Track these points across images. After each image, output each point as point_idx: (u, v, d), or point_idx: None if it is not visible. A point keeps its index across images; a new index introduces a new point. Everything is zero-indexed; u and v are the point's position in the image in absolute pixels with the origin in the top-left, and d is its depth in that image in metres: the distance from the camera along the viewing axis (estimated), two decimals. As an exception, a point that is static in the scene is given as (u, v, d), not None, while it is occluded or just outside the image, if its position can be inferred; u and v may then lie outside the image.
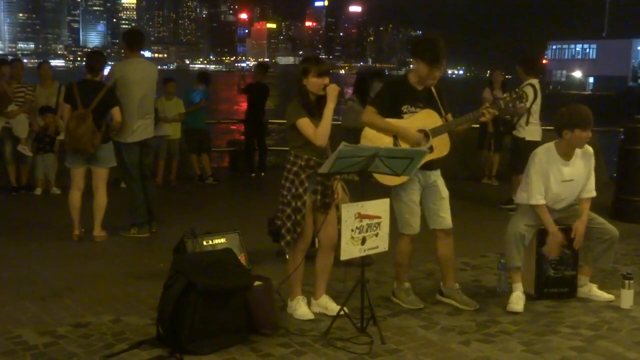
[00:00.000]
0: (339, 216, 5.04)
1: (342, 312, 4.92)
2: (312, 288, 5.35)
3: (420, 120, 5.25)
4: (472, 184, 11.52)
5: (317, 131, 4.90)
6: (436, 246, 5.48)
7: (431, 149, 5.22)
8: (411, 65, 5.49)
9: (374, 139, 5.25)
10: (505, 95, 5.46)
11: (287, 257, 6.53)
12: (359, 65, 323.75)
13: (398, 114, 5.25)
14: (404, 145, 5.20)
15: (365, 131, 5.34)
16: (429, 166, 5.26)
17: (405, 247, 5.44)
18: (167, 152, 11.45)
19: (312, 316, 5.09)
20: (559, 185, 5.57)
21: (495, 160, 11.75)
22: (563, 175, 5.55)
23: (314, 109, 4.97)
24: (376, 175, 5.09)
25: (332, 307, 5.14)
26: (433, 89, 5.36)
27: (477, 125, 11.34)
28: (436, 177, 5.37)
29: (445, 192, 5.40)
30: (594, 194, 5.69)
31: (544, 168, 5.56)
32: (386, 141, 5.20)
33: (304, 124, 4.92)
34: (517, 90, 5.52)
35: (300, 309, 5.12)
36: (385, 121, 5.25)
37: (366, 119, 5.33)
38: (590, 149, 5.65)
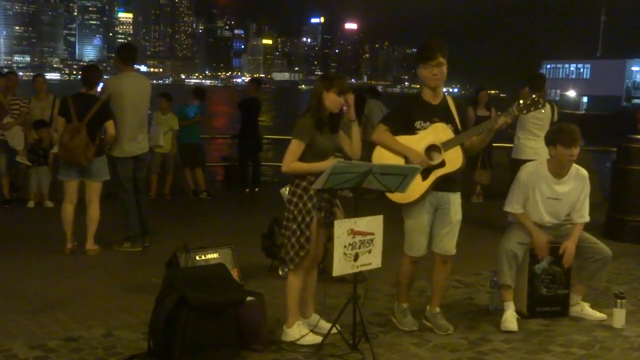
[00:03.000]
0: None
1: (334, 329, 4.90)
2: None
3: (431, 134, 5.11)
4: (464, 202, 11.49)
5: (293, 163, 4.79)
6: (432, 269, 5.40)
7: (443, 163, 5.09)
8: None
9: (384, 158, 5.15)
10: (520, 102, 5.23)
11: (280, 273, 6.56)
12: (351, 82, 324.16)
13: (411, 130, 5.14)
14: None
15: (376, 150, 5.23)
16: (442, 187, 5.13)
17: (406, 267, 5.36)
18: (162, 166, 11.46)
19: (319, 339, 4.89)
20: (544, 201, 5.60)
21: (484, 177, 11.71)
22: (550, 192, 5.58)
23: (325, 124, 4.88)
24: (387, 194, 5.04)
25: (323, 325, 5.06)
26: (451, 104, 5.22)
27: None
28: (449, 199, 5.21)
29: (455, 218, 5.25)
30: (587, 219, 5.67)
31: (529, 182, 5.61)
32: (396, 160, 5.10)
33: (294, 146, 4.81)
34: (533, 96, 5.23)
35: (307, 335, 4.92)
36: (394, 141, 5.13)
37: (377, 137, 5.23)
38: (584, 172, 5.65)
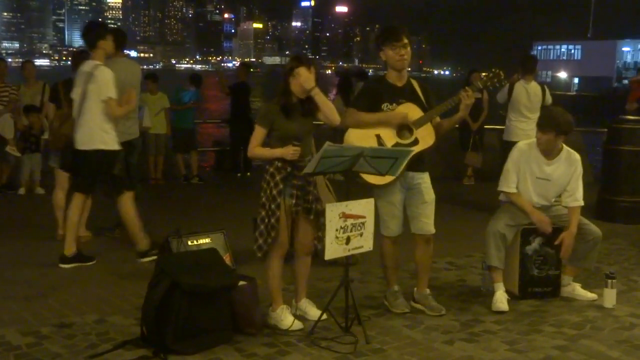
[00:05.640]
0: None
1: (326, 312, 4.92)
2: (293, 287, 5.31)
3: None
4: (456, 184, 11.56)
5: (255, 148, 4.86)
6: (414, 250, 5.41)
7: (416, 141, 5.13)
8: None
9: (356, 140, 5.15)
10: (483, 76, 5.47)
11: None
12: (339, 64, 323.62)
13: None
14: (388, 141, 5.14)
15: (348, 135, 5.25)
16: (413, 167, 5.13)
17: (387, 248, 5.37)
18: (155, 148, 11.42)
19: (301, 325, 4.93)
20: (533, 181, 5.63)
21: (475, 160, 11.71)
22: (540, 172, 5.61)
23: (293, 109, 4.84)
24: (361, 174, 5.06)
25: (312, 313, 5.08)
26: (416, 86, 5.29)
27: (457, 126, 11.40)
28: (420, 179, 5.24)
29: (429, 196, 5.26)
30: (581, 202, 5.67)
31: (521, 161, 5.64)
32: (369, 142, 5.09)
33: (256, 132, 4.86)
34: (494, 69, 5.42)
35: (287, 319, 4.92)
36: (369, 114, 5.16)
37: (349, 121, 5.23)
38: (576, 155, 5.67)
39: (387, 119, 5.16)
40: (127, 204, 6.70)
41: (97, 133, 6.42)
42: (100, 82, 6.34)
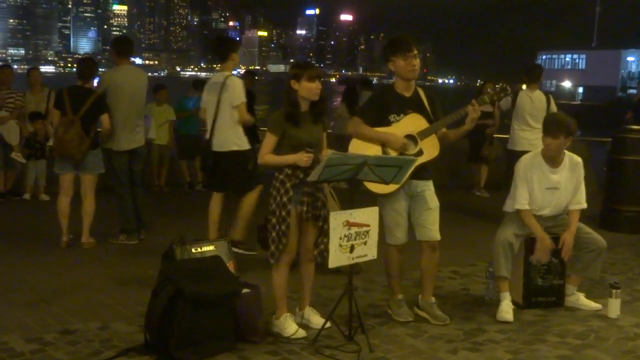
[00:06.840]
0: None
1: (330, 321, 4.91)
2: (296, 295, 5.31)
3: (406, 125, 5.17)
4: (461, 193, 11.54)
5: (266, 155, 4.86)
6: (420, 258, 5.41)
7: (421, 152, 5.15)
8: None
9: (360, 149, 5.16)
10: (489, 90, 5.48)
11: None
12: (342, 73, 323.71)
13: (385, 123, 5.19)
14: (392, 153, 5.15)
15: (352, 143, 5.26)
16: (417, 175, 5.13)
17: (392, 257, 5.38)
18: (158, 158, 11.42)
19: (304, 334, 4.92)
20: (542, 191, 5.61)
21: (488, 152, 11.62)
22: (548, 182, 5.60)
23: (302, 117, 4.85)
24: (365, 183, 5.07)
25: (315, 321, 5.07)
26: (423, 96, 5.30)
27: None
28: (424, 187, 5.25)
29: (433, 203, 5.27)
30: (584, 205, 5.69)
31: (527, 174, 5.63)
32: (373, 151, 5.11)
33: (267, 139, 4.86)
34: (500, 83, 5.43)
35: (290, 327, 4.91)
36: (371, 129, 5.17)
37: (352, 130, 5.25)
38: (577, 158, 5.69)
39: (387, 141, 5.16)
40: (253, 198, 7.15)
41: (232, 136, 6.99)
42: (232, 91, 6.97)
